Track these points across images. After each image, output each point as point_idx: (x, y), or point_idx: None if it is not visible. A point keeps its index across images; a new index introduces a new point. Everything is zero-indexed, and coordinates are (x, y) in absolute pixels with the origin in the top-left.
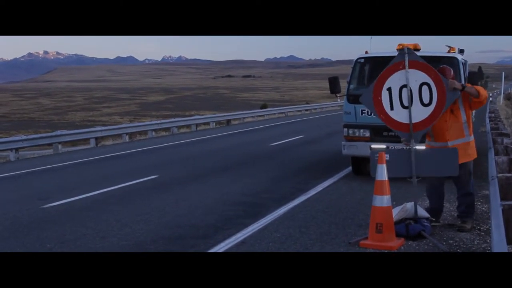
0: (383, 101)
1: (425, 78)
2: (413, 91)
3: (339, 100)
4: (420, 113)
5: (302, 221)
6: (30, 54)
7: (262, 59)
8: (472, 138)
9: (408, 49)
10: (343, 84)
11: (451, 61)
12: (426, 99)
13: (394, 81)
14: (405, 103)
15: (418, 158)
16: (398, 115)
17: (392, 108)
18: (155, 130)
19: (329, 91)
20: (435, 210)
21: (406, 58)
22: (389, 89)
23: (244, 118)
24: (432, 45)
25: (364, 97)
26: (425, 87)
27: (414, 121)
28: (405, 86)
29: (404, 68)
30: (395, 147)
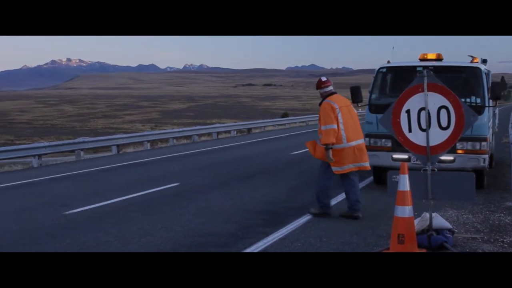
0: (401, 123)
1: (444, 101)
2: (431, 114)
3: (360, 109)
4: (438, 136)
5: (323, 231)
6: (53, 62)
7: (283, 68)
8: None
9: (428, 71)
10: (365, 94)
11: (474, 71)
12: (444, 123)
13: (413, 103)
14: (423, 126)
15: (434, 182)
16: (416, 137)
17: (410, 131)
18: (176, 138)
19: (350, 101)
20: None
21: (425, 81)
22: (407, 111)
23: (265, 126)
24: (455, 51)
25: (383, 119)
26: (443, 111)
27: (431, 144)
28: (423, 109)
29: (423, 91)
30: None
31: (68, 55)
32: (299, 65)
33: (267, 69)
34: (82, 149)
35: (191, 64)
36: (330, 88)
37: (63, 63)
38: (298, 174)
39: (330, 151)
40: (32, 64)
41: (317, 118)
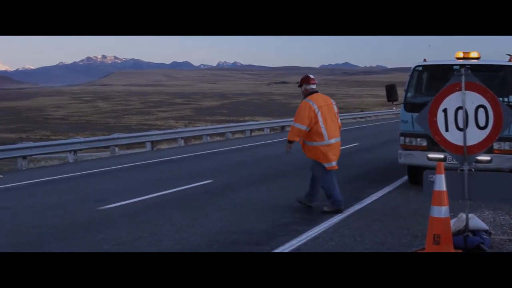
0: (438, 122)
1: (482, 100)
2: (469, 114)
3: (394, 108)
4: (475, 136)
5: (357, 230)
6: (88, 58)
7: (317, 66)
8: (313, 143)
9: (465, 70)
10: (400, 92)
11: None
12: (482, 122)
13: (450, 102)
14: (460, 125)
15: (471, 182)
16: (453, 137)
17: (447, 130)
18: (209, 135)
19: (384, 99)
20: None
21: (463, 80)
22: (444, 111)
23: None
24: (493, 49)
25: (419, 118)
26: (481, 110)
27: (469, 143)
28: (461, 108)
29: (460, 89)
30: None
31: (104, 52)
32: (333, 63)
33: (300, 67)
34: (116, 145)
35: (225, 62)
36: (314, 86)
37: (98, 60)
38: None
39: (291, 145)
40: (68, 60)
41: (351, 117)
